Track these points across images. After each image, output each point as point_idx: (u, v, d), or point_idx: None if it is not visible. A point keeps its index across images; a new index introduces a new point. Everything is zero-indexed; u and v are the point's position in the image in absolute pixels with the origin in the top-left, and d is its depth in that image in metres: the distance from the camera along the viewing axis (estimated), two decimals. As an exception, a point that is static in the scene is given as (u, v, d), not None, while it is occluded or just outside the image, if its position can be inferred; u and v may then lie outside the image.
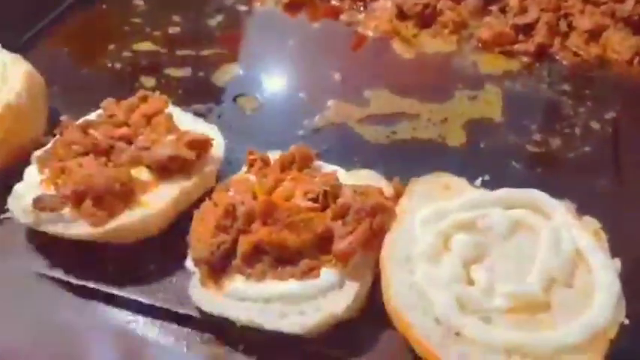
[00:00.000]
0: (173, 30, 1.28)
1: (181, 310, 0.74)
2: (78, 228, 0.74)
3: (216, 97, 1.10)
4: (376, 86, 1.12)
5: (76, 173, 0.75)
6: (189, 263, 0.75)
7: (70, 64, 1.18)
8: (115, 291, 0.76)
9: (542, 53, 1.22)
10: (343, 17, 1.33)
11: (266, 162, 0.83)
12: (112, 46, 1.21)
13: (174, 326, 0.74)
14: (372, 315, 0.71)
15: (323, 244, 0.72)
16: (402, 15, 1.31)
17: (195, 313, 0.73)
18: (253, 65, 1.19)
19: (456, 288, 0.65)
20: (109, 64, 1.17)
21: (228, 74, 1.15)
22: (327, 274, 0.69)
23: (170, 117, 0.86)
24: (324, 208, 0.74)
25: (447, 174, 0.81)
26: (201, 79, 1.14)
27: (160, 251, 0.79)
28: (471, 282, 0.66)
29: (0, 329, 0.73)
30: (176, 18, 1.31)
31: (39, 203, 0.74)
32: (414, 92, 1.11)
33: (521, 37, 1.25)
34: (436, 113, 1.07)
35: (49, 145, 0.85)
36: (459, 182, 0.80)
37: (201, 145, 0.81)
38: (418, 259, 0.68)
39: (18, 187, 0.79)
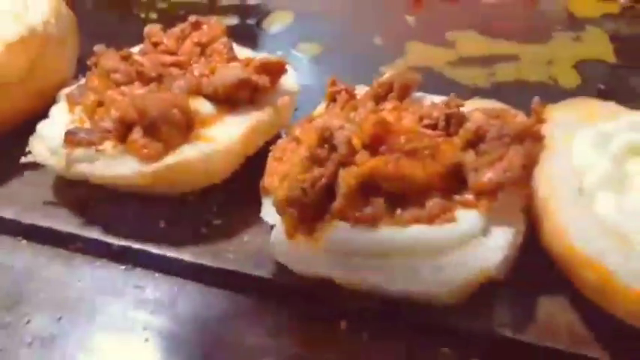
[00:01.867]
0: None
1: (260, 274, 0.55)
2: (123, 167, 0.55)
3: (271, 45, 0.93)
4: (460, 28, 0.95)
5: (120, 101, 0.57)
6: (267, 213, 0.57)
7: (97, 15, 1.01)
8: (168, 253, 0.57)
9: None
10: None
11: (351, 94, 0.65)
12: (144, -4, 1.05)
13: (250, 300, 0.55)
14: (520, 277, 0.52)
15: (451, 182, 0.53)
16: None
17: (279, 278, 0.54)
18: (309, 11, 1.01)
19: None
20: (142, 15, 1.00)
21: (281, 21, 0.98)
22: (468, 216, 0.50)
23: (229, 44, 0.68)
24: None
25: (589, 99, 0.63)
26: (251, 27, 0.97)
27: (226, 203, 0.61)
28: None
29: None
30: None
31: (72, 137, 0.56)
32: (504, 34, 0.94)
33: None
34: (538, 54, 0.89)
35: (80, 82, 0.67)
36: (606, 106, 0.61)
37: (274, 69, 0.63)
38: (596, 189, 0.49)
39: (42, 126, 0.62)
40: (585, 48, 0.92)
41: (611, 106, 0.62)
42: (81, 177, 0.58)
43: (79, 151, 0.56)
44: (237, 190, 0.61)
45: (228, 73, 0.60)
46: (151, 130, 0.54)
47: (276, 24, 0.98)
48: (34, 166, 0.63)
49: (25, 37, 0.65)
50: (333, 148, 0.53)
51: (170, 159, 0.55)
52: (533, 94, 0.81)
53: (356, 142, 0.53)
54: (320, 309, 0.53)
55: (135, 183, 0.55)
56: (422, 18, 0.99)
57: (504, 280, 0.51)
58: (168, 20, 0.97)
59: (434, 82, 0.84)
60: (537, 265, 0.52)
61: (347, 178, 0.51)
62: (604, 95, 0.80)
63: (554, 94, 0.81)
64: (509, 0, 1.05)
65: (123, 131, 0.55)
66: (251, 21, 0.99)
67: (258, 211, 0.57)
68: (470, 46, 0.91)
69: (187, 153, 0.56)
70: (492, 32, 0.94)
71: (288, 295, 0.54)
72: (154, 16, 1.01)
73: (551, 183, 0.52)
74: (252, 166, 0.60)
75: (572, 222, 0.48)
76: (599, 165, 0.51)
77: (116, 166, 0.55)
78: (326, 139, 0.53)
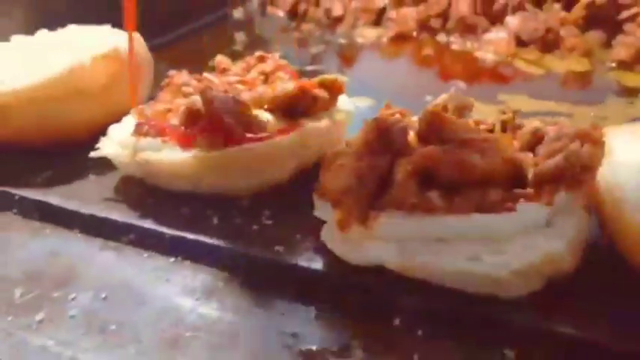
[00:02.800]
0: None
1: (311, 265, 0.53)
2: (184, 154, 0.57)
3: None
4: (511, 92, 0.98)
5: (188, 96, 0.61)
6: (321, 211, 0.56)
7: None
8: (218, 243, 0.56)
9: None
10: (455, 47, 1.24)
11: (405, 115, 0.66)
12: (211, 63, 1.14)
13: (298, 293, 0.53)
14: (588, 276, 0.49)
15: (509, 179, 0.52)
16: (520, 42, 1.21)
17: (328, 270, 0.53)
18: (360, 79, 1.08)
19: None
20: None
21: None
22: (530, 208, 0.49)
23: (293, 73, 0.73)
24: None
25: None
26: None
27: (279, 207, 0.61)
28: None
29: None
30: (276, 47, 1.26)
31: (141, 127, 0.59)
32: (557, 97, 0.96)
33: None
34: (592, 113, 0.90)
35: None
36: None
37: (333, 86, 0.66)
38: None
39: (113, 128, 0.65)
40: (638, 109, 0.92)
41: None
42: (144, 169, 0.60)
43: (146, 140, 0.59)
44: (291, 197, 0.61)
45: (290, 84, 0.63)
46: (214, 120, 0.57)
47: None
48: (101, 169, 0.66)
49: (110, 54, 0.71)
50: (389, 141, 0.54)
51: (229, 149, 0.57)
52: None
53: (412, 136, 0.54)
54: (373, 304, 0.51)
55: (195, 169, 0.57)
56: (472, 84, 1.03)
57: (572, 278, 0.48)
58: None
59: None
60: (608, 266, 0.49)
61: (404, 165, 0.51)
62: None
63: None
64: (557, 74, 1.09)
65: (189, 122, 0.58)
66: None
67: (312, 216, 0.57)
68: (523, 105, 0.93)
69: (248, 144, 0.57)
70: (545, 96, 0.97)
71: (339, 290, 0.52)
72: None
73: (615, 177, 0.50)
74: (306, 179, 0.61)
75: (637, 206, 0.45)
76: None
77: (179, 154, 0.58)
78: (382, 133, 0.54)
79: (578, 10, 1.23)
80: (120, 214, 0.61)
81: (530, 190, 0.50)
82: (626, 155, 0.52)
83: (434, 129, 0.53)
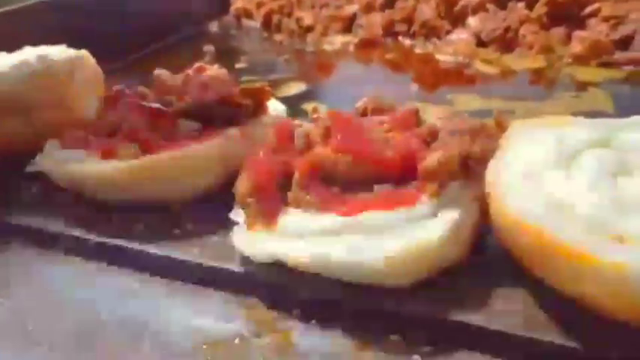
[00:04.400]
0: (240, 65, 1.25)
1: (219, 265, 0.56)
2: (106, 163, 0.61)
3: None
4: (461, 92, 1.00)
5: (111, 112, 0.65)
6: (234, 213, 0.59)
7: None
8: (138, 246, 0.60)
9: (651, 61, 1.06)
10: (418, 50, 1.27)
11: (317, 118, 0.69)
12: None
13: (210, 291, 0.56)
14: (478, 265, 0.51)
15: (406, 174, 0.54)
16: (480, 43, 1.23)
17: (236, 268, 0.55)
18: (320, 83, 1.11)
19: (608, 191, 0.44)
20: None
21: (293, 89, 1.08)
22: (417, 200, 0.51)
23: (229, 82, 0.76)
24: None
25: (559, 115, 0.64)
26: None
27: (203, 213, 0.64)
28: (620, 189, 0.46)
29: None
30: (244, 58, 1.31)
31: (68, 139, 0.63)
32: (505, 95, 0.97)
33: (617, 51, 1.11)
34: (534, 109, 0.92)
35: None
36: (570, 119, 0.61)
37: (257, 93, 0.69)
38: (543, 169, 0.49)
39: (50, 142, 0.69)
40: (584, 102, 0.94)
41: (580, 119, 0.62)
42: (72, 181, 0.64)
43: (72, 152, 0.63)
44: (216, 205, 0.63)
45: (212, 92, 0.67)
46: (132, 131, 0.61)
47: (288, 90, 1.07)
48: (33, 181, 0.71)
49: (44, 71, 0.74)
50: (290, 143, 0.57)
51: (146, 158, 0.60)
52: None
53: (312, 136, 0.57)
54: (272, 298, 0.53)
55: (114, 179, 0.61)
56: (425, 87, 1.05)
57: (460, 270, 0.50)
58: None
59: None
60: (497, 258, 0.51)
61: (300, 164, 0.54)
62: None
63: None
64: (512, 72, 1.11)
65: (111, 134, 0.62)
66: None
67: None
68: (469, 104, 0.95)
69: (164, 154, 0.61)
70: (493, 94, 0.99)
71: (245, 286, 0.55)
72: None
73: (500, 168, 0.52)
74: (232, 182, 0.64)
75: (515, 197, 0.47)
76: (549, 149, 0.51)
77: (100, 165, 0.61)
78: (285, 136, 0.57)
79: (539, 8, 1.25)
80: (47, 223, 0.65)
81: (417, 184, 0.52)
82: (514, 152, 0.53)
83: (334, 132, 0.55)
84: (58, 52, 0.84)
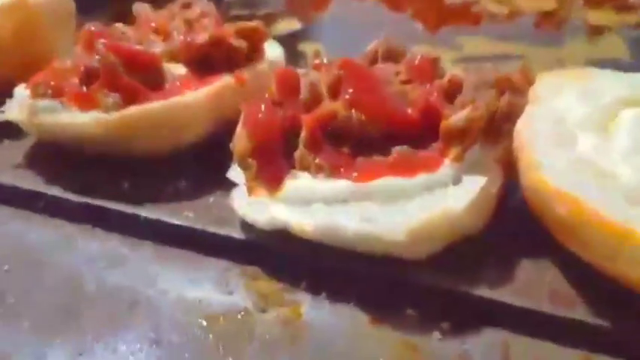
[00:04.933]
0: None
1: (217, 231, 0.51)
2: (84, 116, 0.54)
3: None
4: (470, 33, 0.92)
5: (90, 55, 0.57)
6: (233, 173, 0.53)
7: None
8: (127, 209, 0.54)
9: (668, 4, 1.00)
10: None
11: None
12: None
13: (208, 259, 0.51)
14: (502, 234, 0.46)
15: (426, 133, 0.48)
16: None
17: (238, 235, 0.50)
18: (314, 20, 1.02)
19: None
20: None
21: (285, 27, 0.99)
22: (437, 164, 0.46)
23: (218, 19, 0.68)
24: (423, 92, 0.52)
25: (587, 67, 0.58)
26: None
27: (195, 167, 0.58)
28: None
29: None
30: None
31: (39, 87, 0.56)
32: (516, 38, 0.90)
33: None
34: (548, 54, 0.85)
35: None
36: (603, 72, 0.56)
37: (253, 34, 0.62)
38: (578, 130, 0.44)
39: (19, 88, 0.62)
40: (599, 49, 0.88)
41: (606, 72, 0.57)
42: (45, 133, 0.57)
43: (44, 102, 0.55)
44: (210, 157, 0.58)
45: (203, 35, 0.59)
46: (113, 79, 0.53)
47: (280, 28, 0.98)
48: (15, 133, 0.63)
49: (14, 3, 0.66)
50: (295, 94, 0.50)
51: (132, 108, 0.53)
52: None
53: (319, 87, 0.50)
54: (277, 268, 0.49)
55: (95, 132, 0.54)
56: (430, 27, 0.98)
57: (481, 238, 0.46)
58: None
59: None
60: (521, 225, 0.47)
61: (308, 122, 0.48)
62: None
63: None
64: (524, 12, 1.03)
65: (88, 81, 0.54)
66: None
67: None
68: (478, 48, 0.88)
69: (151, 104, 0.54)
70: (504, 37, 0.92)
71: (248, 253, 0.50)
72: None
73: (532, 128, 0.47)
74: (228, 137, 0.57)
75: (548, 158, 0.43)
76: (585, 109, 0.46)
77: (77, 116, 0.54)
78: (289, 85, 0.51)
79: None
80: (28, 182, 0.58)
81: (439, 145, 0.47)
82: (545, 109, 0.48)
83: (344, 84, 0.49)
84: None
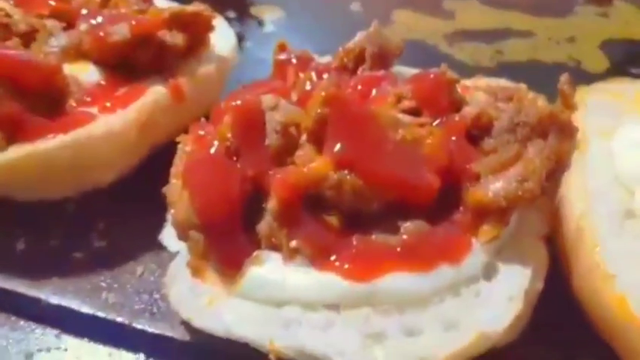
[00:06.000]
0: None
1: (151, 329, 0.36)
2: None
3: (220, 5, 0.74)
4: (462, -2, 0.77)
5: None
6: (167, 235, 0.38)
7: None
8: (27, 290, 0.38)
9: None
10: None
11: (305, 63, 0.45)
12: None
13: (139, 356, 0.37)
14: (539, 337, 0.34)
15: (440, 197, 0.34)
16: None
17: (177, 334, 0.36)
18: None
19: None
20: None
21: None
22: (463, 250, 0.32)
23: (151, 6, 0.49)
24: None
25: (629, 80, 0.47)
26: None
27: (116, 217, 0.42)
28: None
29: None
30: None
31: None
32: (516, 4, 0.75)
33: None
34: (557, 30, 0.72)
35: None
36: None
37: (193, 24, 0.44)
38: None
39: None
40: (613, 25, 0.75)
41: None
42: None
43: None
44: (135, 198, 0.42)
45: (122, 26, 0.41)
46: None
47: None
48: None
49: None
50: (259, 139, 0.34)
51: (19, 149, 0.37)
52: (550, 78, 0.62)
53: (295, 130, 0.35)
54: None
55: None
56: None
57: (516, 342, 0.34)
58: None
59: (425, 58, 0.66)
60: (565, 318, 0.35)
61: (279, 187, 0.33)
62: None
63: (578, 78, 0.62)
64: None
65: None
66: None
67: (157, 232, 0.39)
68: (473, 18, 0.73)
69: (48, 140, 0.37)
70: (502, 2, 0.76)
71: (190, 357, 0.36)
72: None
73: (586, 197, 0.34)
74: (160, 163, 0.41)
75: (622, 262, 0.31)
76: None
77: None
78: (251, 125, 0.35)
79: None
80: None
81: (465, 219, 0.33)
82: (599, 157, 0.35)
83: (330, 127, 0.33)
84: None
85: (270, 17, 0.71)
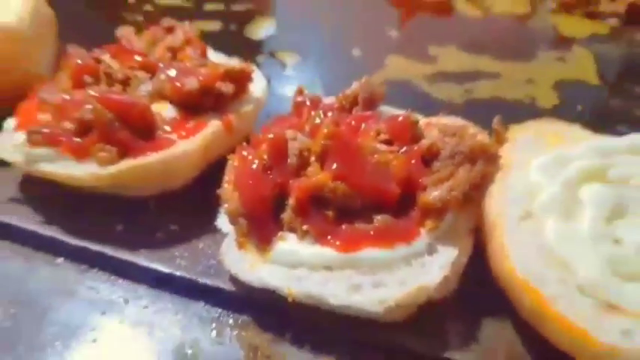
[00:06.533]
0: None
1: (209, 282, 0.55)
2: (80, 168, 0.56)
3: (252, 51, 0.94)
4: (442, 43, 0.95)
5: (80, 102, 0.57)
6: (221, 221, 0.57)
7: (84, 15, 1.02)
8: (124, 256, 0.57)
9: (633, 15, 1.04)
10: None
11: (316, 104, 0.64)
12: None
13: (201, 304, 0.55)
14: (467, 294, 0.52)
15: (404, 199, 0.53)
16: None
17: (228, 286, 0.55)
18: (291, 20, 1.02)
19: (603, 247, 0.46)
20: (128, 18, 1.01)
21: (263, 28, 0.99)
22: (414, 235, 0.50)
23: (203, 48, 0.69)
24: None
25: (554, 120, 0.63)
26: (234, 32, 0.98)
27: (184, 209, 0.61)
28: (616, 241, 0.47)
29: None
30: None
31: (34, 135, 0.57)
32: (488, 51, 0.94)
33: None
34: (519, 72, 0.89)
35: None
36: (572, 129, 0.61)
37: (239, 77, 0.63)
38: (544, 213, 0.49)
39: (9, 122, 0.62)
40: (568, 68, 0.92)
41: (575, 130, 0.62)
42: (42, 175, 0.58)
43: (41, 150, 0.57)
44: (198, 196, 0.61)
45: (192, 80, 0.60)
46: (108, 133, 0.55)
47: (258, 30, 0.98)
48: (2, 162, 0.64)
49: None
50: (284, 159, 0.53)
51: (127, 163, 0.56)
52: (507, 113, 0.82)
53: (307, 154, 0.54)
54: (265, 320, 0.54)
55: (92, 185, 0.56)
56: (405, 32, 0.99)
57: (448, 298, 0.52)
58: (153, 23, 0.99)
59: (409, 95, 0.84)
60: (484, 284, 0.53)
61: (296, 191, 0.52)
62: (581, 117, 0.80)
63: (531, 113, 0.79)
64: (496, 17, 1.06)
65: (82, 130, 0.56)
66: (233, 26, 0.99)
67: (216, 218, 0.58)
68: (451, 62, 0.91)
69: (145, 157, 0.56)
70: (476, 49, 0.94)
71: (237, 304, 0.55)
72: (140, 18, 1.02)
73: (501, 203, 0.52)
74: (214, 175, 0.60)
75: (516, 244, 0.48)
76: (550, 189, 0.51)
77: (74, 167, 0.56)
78: (278, 150, 0.54)
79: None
80: (25, 220, 0.60)
81: (416, 215, 0.51)
82: (513, 183, 0.53)
83: (330, 152, 0.52)
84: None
85: (290, 61, 0.91)
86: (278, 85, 0.85)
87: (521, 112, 0.81)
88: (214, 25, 0.99)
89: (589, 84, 0.88)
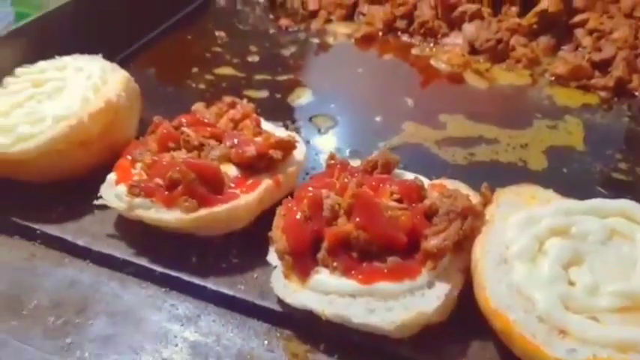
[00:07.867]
0: (251, 58, 1.34)
1: (262, 303, 0.73)
2: (169, 214, 0.75)
3: (293, 116, 1.13)
4: (451, 112, 1.13)
5: (169, 164, 0.77)
6: (271, 257, 0.75)
7: (157, 83, 1.24)
8: (197, 281, 0.76)
9: (621, 88, 1.20)
10: (414, 51, 1.37)
11: (344, 167, 0.83)
12: (195, 70, 1.28)
13: (255, 320, 0.73)
14: (460, 320, 0.68)
15: (411, 244, 0.70)
16: (473, 50, 1.33)
17: (276, 307, 0.72)
18: (326, 90, 1.22)
19: (558, 287, 0.62)
20: (193, 85, 1.23)
21: (302, 97, 1.19)
22: (418, 272, 0.68)
23: (258, 120, 0.89)
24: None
25: (533, 185, 0.79)
26: (278, 100, 1.18)
27: (243, 246, 0.80)
28: (570, 283, 0.63)
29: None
30: (253, 48, 1.38)
31: (134, 189, 0.76)
32: (490, 119, 1.11)
33: (597, 73, 1.24)
34: (515, 139, 1.06)
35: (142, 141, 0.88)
36: (545, 193, 0.78)
37: (286, 146, 0.83)
38: (514, 259, 0.66)
39: (111, 177, 0.82)
40: (559, 135, 1.08)
41: (549, 193, 0.78)
42: (138, 218, 0.78)
43: (138, 200, 0.76)
44: (254, 237, 0.79)
45: (250, 148, 0.80)
46: (190, 188, 0.74)
47: (298, 99, 1.19)
48: (103, 207, 0.83)
49: (103, 108, 0.86)
50: (320, 211, 0.72)
51: (203, 211, 0.75)
52: (502, 174, 1.00)
53: (338, 208, 0.72)
54: (304, 334, 0.71)
55: (176, 227, 0.75)
56: (420, 101, 1.18)
57: (444, 322, 0.68)
58: (213, 89, 1.21)
59: (421, 156, 1.02)
60: (472, 311, 0.69)
61: (329, 236, 0.70)
62: (566, 178, 0.96)
63: (522, 175, 0.97)
64: (501, 87, 1.24)
65: (171, 186, 0.75)
66: (278, 95, 1.20)
67: (267, 254, 0.76)
68: (457, 128, 1.09)
69: (216, 207, 0.75)
70: (480, 117, 1.12)
71: (283, 321, 0.72)
72: (202, 86, 1.23)
73: (483, 250, 0.68)
74: (266, 219, 0.78)
75: (492, 281, 0.65)
76: (521, 241, 0.68)
77: (164, 213, 0.75)
78: (316, 204, 0.72)
79: (530, 18, 1.35)
80: (120, 252, 0.80)
81: (419, 257, 0.69)
82: (494, 234, 0.70)
83: (358, 207, 0.70)
84: (100, 68, 0.94)
85: (324, 125, 1.10)
86: (315, 145, 1.04)
87: (514, 174, 0.96)
88: (263, 93, 1.20)
89: (576, 149, 1.04)
